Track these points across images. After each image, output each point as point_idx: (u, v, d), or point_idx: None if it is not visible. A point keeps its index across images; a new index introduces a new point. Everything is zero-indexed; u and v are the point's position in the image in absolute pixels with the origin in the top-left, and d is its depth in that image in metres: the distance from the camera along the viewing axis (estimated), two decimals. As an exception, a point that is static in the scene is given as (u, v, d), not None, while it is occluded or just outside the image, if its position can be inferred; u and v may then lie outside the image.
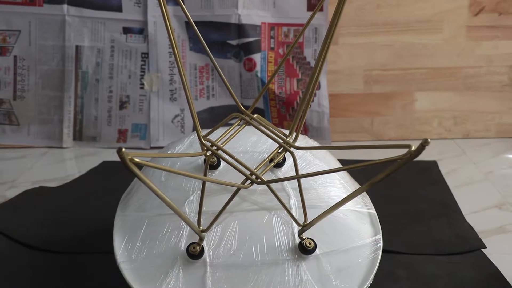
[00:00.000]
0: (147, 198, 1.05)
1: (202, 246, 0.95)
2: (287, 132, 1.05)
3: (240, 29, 1.95)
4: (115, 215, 1.08)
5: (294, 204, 1.02)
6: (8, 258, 1.20)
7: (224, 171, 1.06)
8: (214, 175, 1.06)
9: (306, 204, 0.99)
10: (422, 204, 1.47)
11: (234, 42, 1.96)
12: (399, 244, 1.24)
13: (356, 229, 1.04)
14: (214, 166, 1.06)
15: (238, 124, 1.07)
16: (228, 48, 1.97)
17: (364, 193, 1.13)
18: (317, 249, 0.96)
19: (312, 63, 1.96)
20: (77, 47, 1.98)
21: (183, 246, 0.98)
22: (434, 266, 1.17)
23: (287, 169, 1.07)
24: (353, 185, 1.15)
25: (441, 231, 1.32)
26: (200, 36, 1.00)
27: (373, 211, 1.10)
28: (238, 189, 0.96)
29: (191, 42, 1.98)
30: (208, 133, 1.03)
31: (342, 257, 0.98)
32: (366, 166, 0.77)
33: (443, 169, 1.72)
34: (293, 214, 0.98)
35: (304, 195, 0.99)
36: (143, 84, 1.99)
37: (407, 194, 1.53)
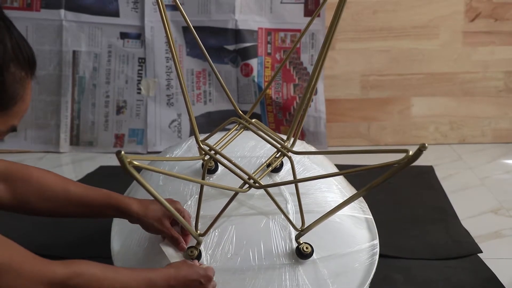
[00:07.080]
0: (144, 203, 1.05)
1: (200, 250, 0.95)
2: (284, 137, 1.05)
3: (237, 34, 1.95)
4: (112, 220, 1.09)
5: (291, 208, 1.02)
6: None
7: (222, 176, 1.06)
8: (212, 179, 1.06)
9: (303, 209, 0.99)
10: (418, 209, 1.47)
11: (231, 47, 1.97)
12: (396, 248, 1.24)
13: (353, 234, 1.04)
14: (212, 171, 1.07)
15: (236, 129, 1.08)
16: (225, 53, 1.97)
17: (361, 198, 1.14)
18: (314, 254, 0.96)
19: (309, 69, 1.96)
20: (74, 52, 1.98)
21: (180, 251, 0.98)
22: (431, 270, 1.17)
23: (285, 174, 1.08)
24: (350, 190, 1.16)
25: (437, 235, 1.32)
26: (199, 41, 1.00)
27: (370, 216, 1.10)
28: (236, 194, 0.96)
29: (188, 47, 1.99)
30: (206, 138, 1.03)
31: (339, 262, 0.98)
32: (363, 171, 0.77)
33: (440, 174, 1.72)
34: (291, 218, 0.98)
35: (302, 200, 0.99)
36: (140, 89, 1.99)
37: (404, 199, 1.54)
